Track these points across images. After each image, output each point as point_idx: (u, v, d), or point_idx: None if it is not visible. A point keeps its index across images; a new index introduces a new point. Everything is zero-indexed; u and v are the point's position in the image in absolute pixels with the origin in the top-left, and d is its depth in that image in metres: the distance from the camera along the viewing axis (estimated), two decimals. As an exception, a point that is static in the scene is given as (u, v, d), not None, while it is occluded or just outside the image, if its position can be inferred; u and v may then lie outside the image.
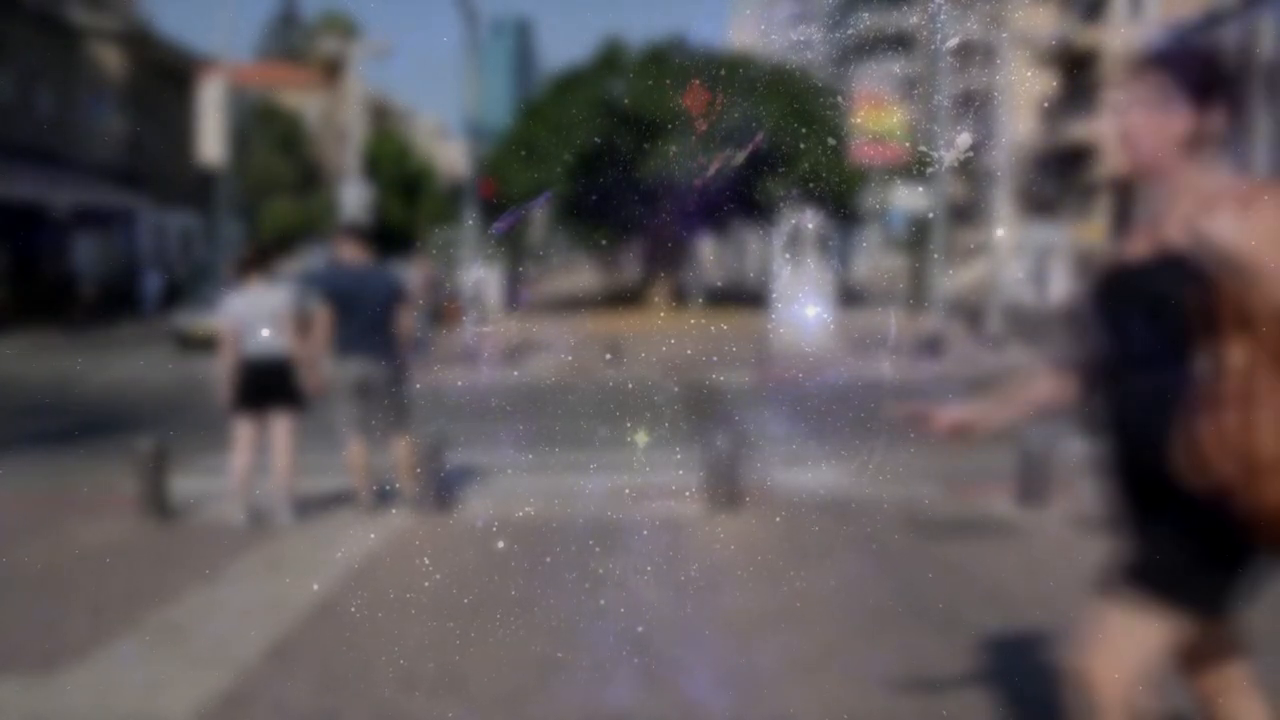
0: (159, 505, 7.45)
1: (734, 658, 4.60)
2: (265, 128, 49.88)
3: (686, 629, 4.98)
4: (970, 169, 31.76)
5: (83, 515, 7.48)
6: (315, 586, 5.74)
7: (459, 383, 15.00)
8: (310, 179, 51.35)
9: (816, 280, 19.72)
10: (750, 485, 7.69)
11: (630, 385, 14.67)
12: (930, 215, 23.14)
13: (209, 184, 40.07)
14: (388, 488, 7.63)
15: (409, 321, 7.61)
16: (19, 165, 28.09)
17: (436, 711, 4.10)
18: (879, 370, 15.47)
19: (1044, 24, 42.02)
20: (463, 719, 4.05)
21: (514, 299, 26.11)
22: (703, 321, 26.22)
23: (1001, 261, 24.77)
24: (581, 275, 37.47)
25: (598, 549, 6.40)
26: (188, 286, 30.42)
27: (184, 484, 7.89)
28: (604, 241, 32.40)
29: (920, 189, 23.53)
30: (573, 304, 29.80)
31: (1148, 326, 2.39)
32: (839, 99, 25.73)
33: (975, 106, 42.89)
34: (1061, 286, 26.94)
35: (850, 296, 26.08)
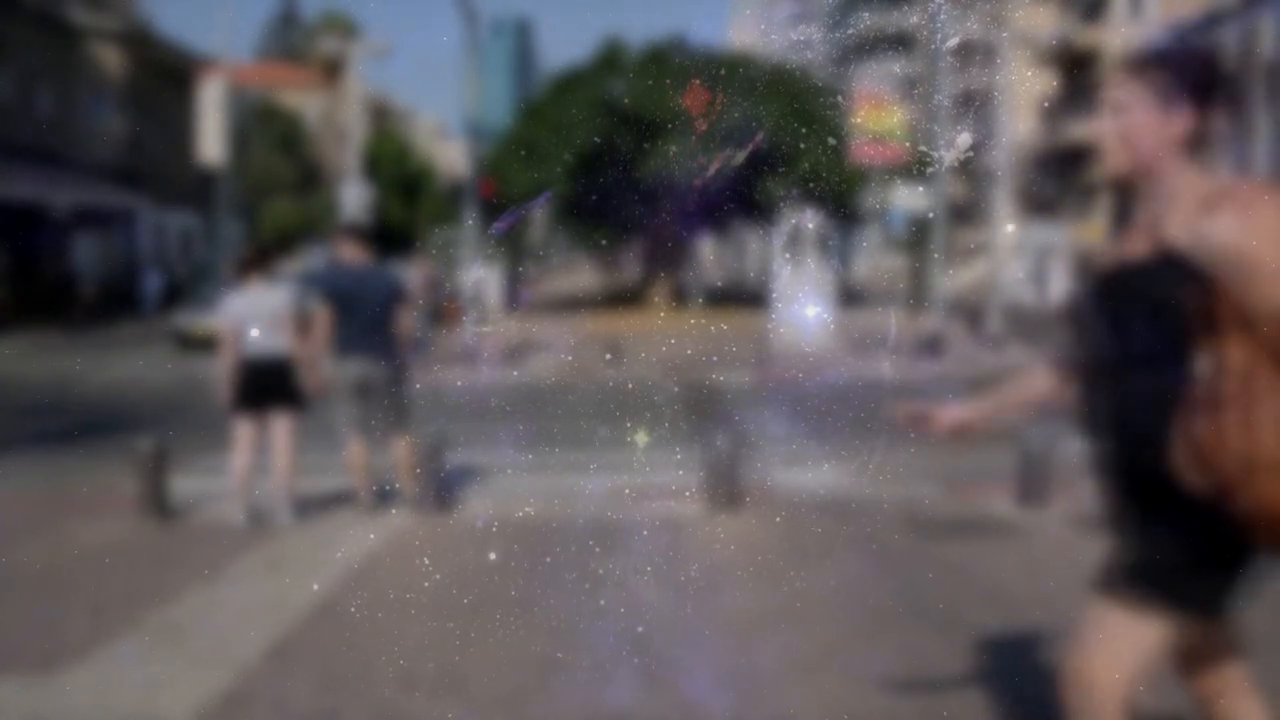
0: (159, 505, 7.45)
1: (734, 658, 4.60)
2: (265, 128, 49.88)
3: (686, 629, 4.98)
4: (970, 169, 31.76)
5: (83, 515, 7.48)
6: (315, 586, 5.74)
7: (459, 383, 15.00)
8: (310, 179, 51.36)
9: (816, 280, 19.72)
10: (750, 485, 7.69)
11: (630, 385, 14.67)
12: (930, 215, 23.14)
13: (209, 184, 40.07)
14: (388, 488, 7.63)
15: (409, 321, 7.61)
16: (19, 165, 28.09)
17: (436, 711, 4.10)
18: (879, 370, 15.48)
19: (1044, 24, 42.01)
20: (463, 719, 4.05)
21: (514, 299, 26.10)
22: (703, 321, 26.23)
23: (1001, 261, 24.77)
24: (581, 275, 37.46)
25: (598, 549, 6.40)
26: (188, 286, 30.44)
27: (184, 484, 7.89)
28: (604, 241, 32.40)
29: (920, 189, 23.53)
30: (573, 304, 29.80)
31: (1146, 326, 2.39)
32: (839, 99, 25.73)
33: (975, 106, 42.89)
34: (1061, 286, 26.91)
35: (850, 296, 26.08)
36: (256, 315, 7.31)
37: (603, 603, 5.37)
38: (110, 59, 35.46)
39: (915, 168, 23.25)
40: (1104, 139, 2.52)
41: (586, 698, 4.22)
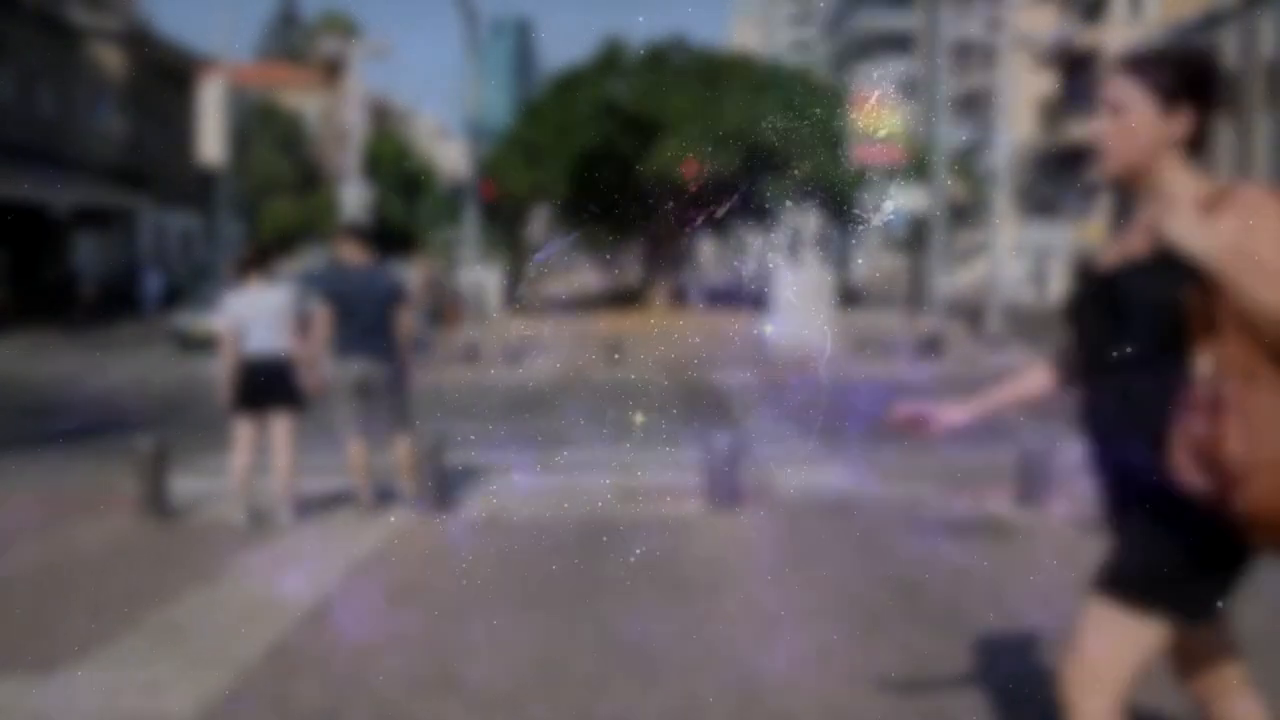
0: (159, 505, 7.46)
1: (734, 658, 4.60)
2: (265, 128, 49.86)
3: (686, 629, 4.98)
4: (970, 169, 31.77)
5: (83, 515, 7.48)
6: (315, 586, 5.74)
7: (459, 383, 15.01)
8: (310, 179, 51.34)
9: (816, 280, 19.73)
10: (750, 485, 7.69)
11: (630, 385, 14.68)
12: (930, 215, 23.14)
13: (209, 184, 40.08)
14: (388, 488, 7.63)
15: (409, 321, 7.61)
16: (19, 165, 28.09)
17: (436, 711, 4.10)
18: (879, 370, 15.48)
19: (1044, 24, 42.00)
20: (463, 719, 4.05)
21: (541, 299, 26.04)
22: (702, 322, 26.22)
23: (1001, 261, 24.78)
24: (581, 275, 37.45)
25: (598, 549, 6.41)
26: (188, 286, 30.44)
27: (184, 484, 7.90)
28: (605, 241, 32.41)
29: (920, 189, 23.52)
30: (573, 304, 29.79)
31: (1143, 327, 2.40)
32: (839, 99, 25.72)
33: (975, 106, 42.90)
34: (1061, 286, 26.91)
35: (850, 296, 26.09)
36: (256, 315, 7.31)
37: (603, 603, 5.38)
38: (110, 59, 35.47)
39: (915, 168, 23.24)
40: (1101, 139, 2.53)
41: (586, 698, 4.22)
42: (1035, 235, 38.79)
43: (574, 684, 4.35)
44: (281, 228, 45.91)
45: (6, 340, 23.44)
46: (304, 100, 55.15)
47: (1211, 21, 33.46)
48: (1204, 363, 2.29)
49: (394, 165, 48.47)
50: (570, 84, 33.15)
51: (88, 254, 32.72)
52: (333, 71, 52.11)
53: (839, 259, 30.97)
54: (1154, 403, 2.34)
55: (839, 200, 21.51)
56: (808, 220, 25.46)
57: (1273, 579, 2.76)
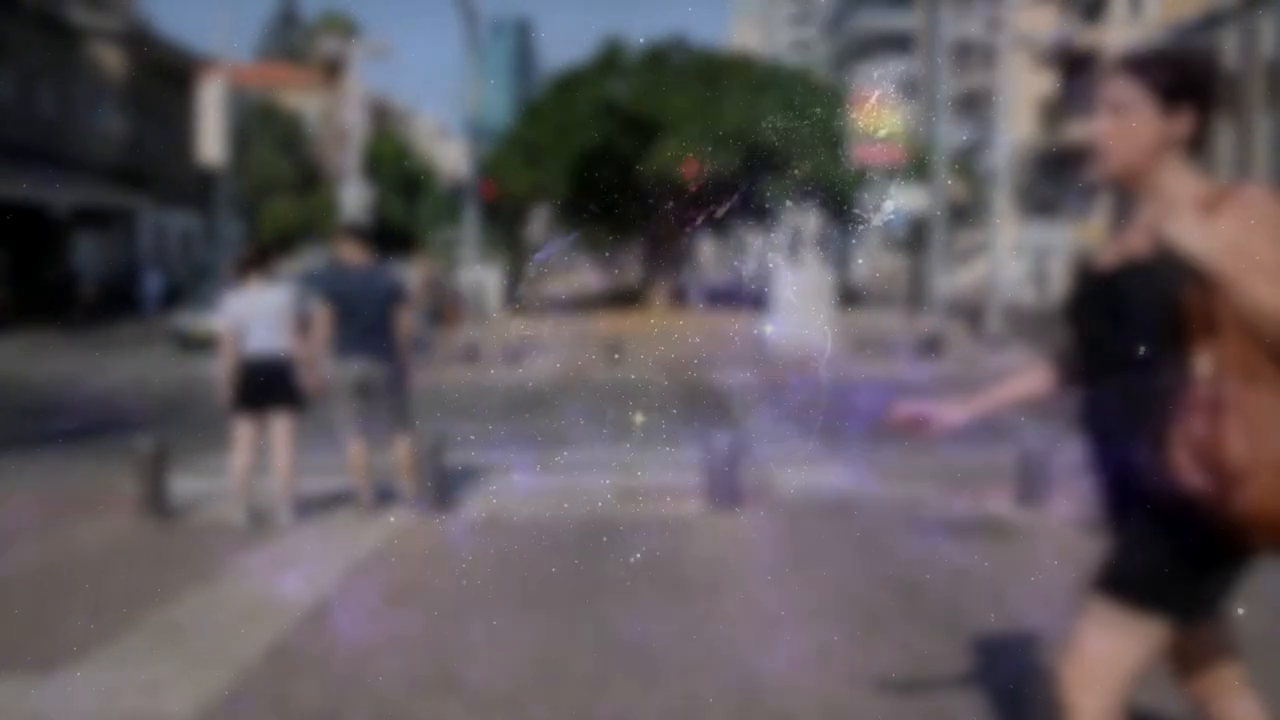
0: (159, 505, 7.45)
1: (734, 658, 4.60)
2: (265, 128, 49.87)
3: (686, 629, 4.98)
4: (970, 169, 31.78)
5: (83, 515, 7.48)
6: (315, 586, 5.74)
7: (459, 383, 15.01)
8: (310, 179, 51.33)
9: (816, 280, 19.73)
10: (750, 485, 7.69)
11: (630, 385, 14.68)
12: (930, 215, 23.15)
13: (209, 184, 40.09)
14: (388, 488, 7.63)
15: (409, 322, 7.61)
16: (19, 165, 28.09)
17: (436, 711, 4.10)
18: (879, 370, 15.48)
19: (1044, 24, 42.00)
20: (463, 719, 4.05)
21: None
22: (702, 322, 26.22)
23: (1001, 261, 24.78)
24: (581, 275, 37.46)
25: (598, 549, 6.41)
26: (188, 286, 30.45)
27: (184, 484, 7.90)
28: (605, 241, 32.42)
29: (920, 189, 23.53)
30: (573, 304, 29.80)
31: (1141, 327, 2.40)
32: (839, 99, 25.72)
33: (975, 106, 42.90)
34: (1061, 286, 26.91)
35: (850, 296, 26.09)
36: (256, 315, 7.31)
37: (603, 603, 5.37)
38: (110, 59, 35.47)
39: (915, 168, 23.24)
40: (1100, 140, 2.53)
41: (586, 698, 4.22)
42: (1035, 235, 38.80)
43: (574, 684, 4.35)
44: (281, 228, 45.90)
45: (6, 340, 23.43)
46: (304, 100, 55.15)
47: (1211, 21, 33.46)
48: (1204, 363, 2.29)
49: (394, 165, 48.46)
50: (570, 84, 33.16)
51: (88, 254, 32.72)
52: (333, 71, 52.10)
53: (839, 259, 30.97)
54: (1153, 403, 2.34)
55: (839, 200, 21.52)
56: (808, 220, 25.46)
57: (1273, 579, 2.76)
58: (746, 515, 7.29)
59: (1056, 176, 42.52)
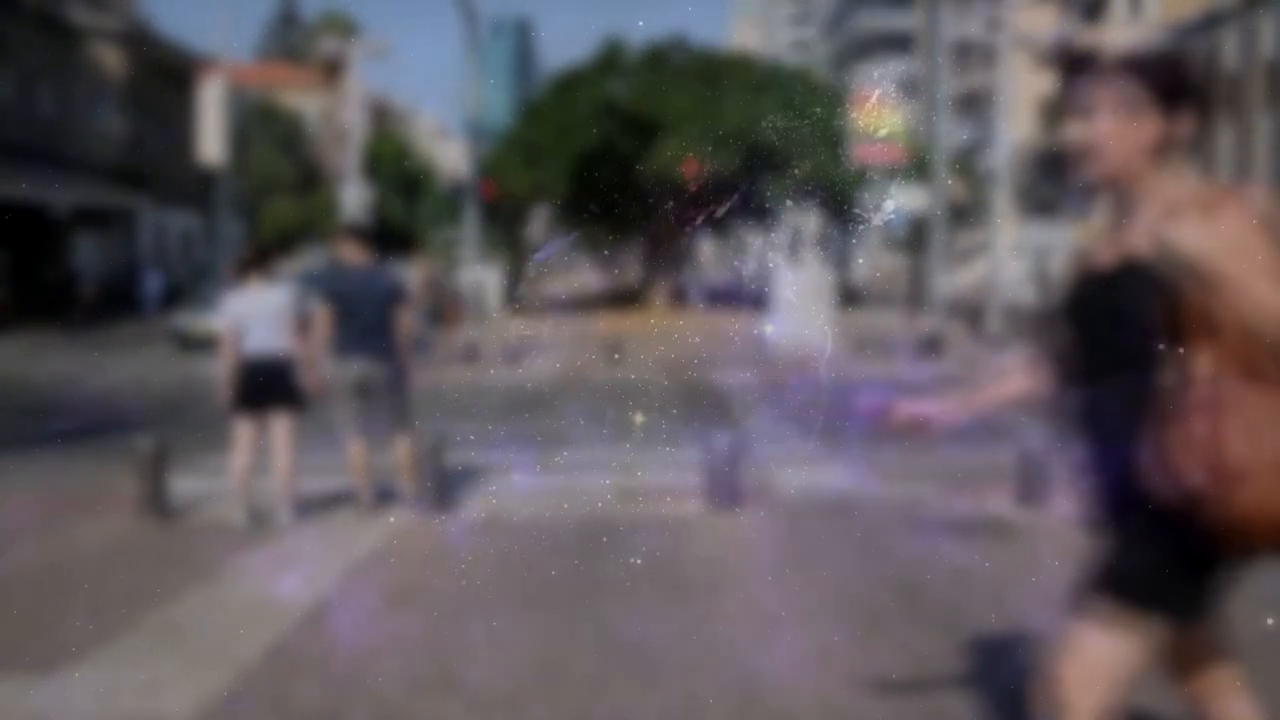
0: (159, 505, 7.45)
1: (734, 658, 4.60)
2: (265, 128, 49.88)
3: (686, 629, 4.98)
4: (970, 169, 31.78)
5: (83, 515, 7.48)
6: (315, 586, 5.74)
7: (459, 383, 15.01)
8: (310, 179, 51.34)
9: (816, 280, 19.73)
10: (750, 485, 7.69)
11: (630, 385, 14.68)
12: (930, 215, 23.15)
13: (209, 184, 40.10)
14: (388, 488, 7.63)
15: (409, 322, 7.61)
16: (19, 165, 28.10)
17: (436, 712, 4.10)
18: (879, 370, 15.48)
19: (1044, 24, 42.00)
20: (462, 719, 4.05)
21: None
22: (702, 322, 26.22)
23: (1001, 261, 24.78)
24: (581, 275, 37.46)
25: (598, 549, 6.41)
26: (188, 286, 30.46)
27: (184, 484, 7.90)
28: (605, 241, 32.43)
29: (920, 189, 23.53)
30: (573, 304, 29.80)
31: (1116, 335, 2.40)
32: (839, 99, 25.73)
33: (975, 106, 42.90)
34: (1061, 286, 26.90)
35: (850, 296, 26.09)
36: (256, 315, 7.31)
37: (603, 603, 5.37)
38: (110, 59, 35.47)
39: (915, 168, 23.25)
40: (1078, 144, 2.53)
41: (586, 698, 4.22)
42: (1035, 235, 38.78)
43: (574, 684, 4.35)
44: (281, 228, 45.90)
45: (6, 340, 23.43)
46: (304, 100, 55.17)
47: (1211, 21, 33.46)
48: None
49: (394, 165, 48.46)
50: (570, 84, 33.18)
51: (88, 254, 32.72)
52: (333, 71, 52.10)
53: (839, 259, 30.98)
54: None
55: (839, 200, 21.54)
56: (808, 220, 25.47)
57: (1273, 579, 2.76)
58: (746, 515, 7.29)
59: (1056, 176, 42.51)
